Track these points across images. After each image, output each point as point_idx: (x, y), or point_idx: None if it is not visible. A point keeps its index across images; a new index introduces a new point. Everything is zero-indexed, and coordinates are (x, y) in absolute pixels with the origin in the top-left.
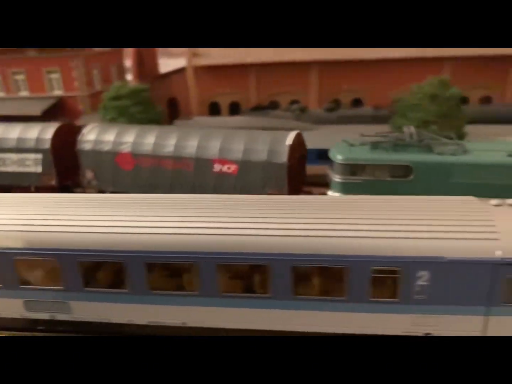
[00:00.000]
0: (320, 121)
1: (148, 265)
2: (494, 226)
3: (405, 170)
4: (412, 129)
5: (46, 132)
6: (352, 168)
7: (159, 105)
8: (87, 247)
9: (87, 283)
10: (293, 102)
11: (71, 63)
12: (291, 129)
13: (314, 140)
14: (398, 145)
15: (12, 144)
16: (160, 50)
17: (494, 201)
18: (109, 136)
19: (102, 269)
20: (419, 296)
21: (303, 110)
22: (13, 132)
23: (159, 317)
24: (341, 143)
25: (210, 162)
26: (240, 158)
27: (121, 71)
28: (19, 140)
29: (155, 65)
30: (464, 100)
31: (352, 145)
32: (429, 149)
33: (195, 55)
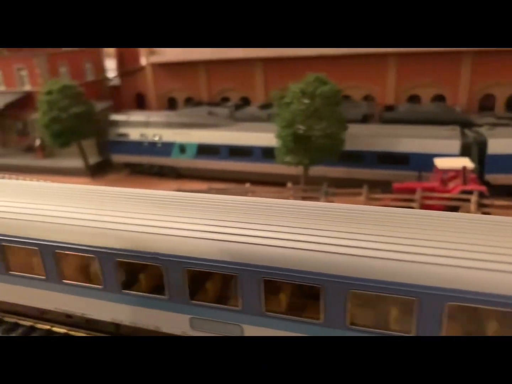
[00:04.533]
0: (254, 119)
1: None
2: None
3: None
4: None
5: None
6: None
7: (93, 99)
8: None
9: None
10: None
11: (34, 61)
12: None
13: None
14: None
15: None
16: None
17: None
18: None
19: None
20: None
21: (238, 107)
22: None
23: None
24: None
25: None
26: None
27: (99, 68)
28: None
29: (137, 63)
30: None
31: None
32: None
33: (151, 53)
